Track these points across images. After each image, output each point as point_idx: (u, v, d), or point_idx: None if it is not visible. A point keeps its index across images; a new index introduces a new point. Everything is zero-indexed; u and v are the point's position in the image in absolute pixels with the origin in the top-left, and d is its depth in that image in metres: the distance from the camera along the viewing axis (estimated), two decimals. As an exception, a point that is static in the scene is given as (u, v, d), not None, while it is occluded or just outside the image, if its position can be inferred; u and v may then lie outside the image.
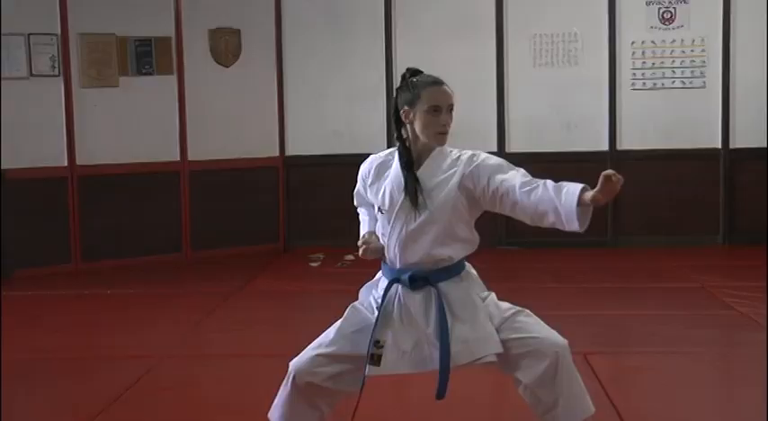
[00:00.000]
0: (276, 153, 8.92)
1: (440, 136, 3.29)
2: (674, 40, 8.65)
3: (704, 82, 8.62)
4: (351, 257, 8.25)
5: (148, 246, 8.29)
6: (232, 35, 8.64)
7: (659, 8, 8.66)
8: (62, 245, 7.99)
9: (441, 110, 3.29)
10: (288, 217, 8.99)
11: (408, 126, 3.29)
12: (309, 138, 8.93)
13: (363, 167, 3.42)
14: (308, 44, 8.87)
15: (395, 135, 3.37)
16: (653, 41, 8.67)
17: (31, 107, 7.78)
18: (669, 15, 8.66)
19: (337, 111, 8.90)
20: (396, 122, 3.33)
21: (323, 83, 8.89)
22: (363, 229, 3.51)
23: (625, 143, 8.62)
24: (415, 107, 3.26)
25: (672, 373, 4.75)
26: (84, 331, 6.05)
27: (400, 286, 3.31)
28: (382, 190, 3.30)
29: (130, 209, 8.25)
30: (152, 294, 7.09)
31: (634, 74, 8.71)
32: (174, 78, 8.40)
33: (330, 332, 3.41)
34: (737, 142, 8.61)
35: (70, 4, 7.93)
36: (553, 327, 3.28)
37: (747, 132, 8.59)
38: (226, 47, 8.64)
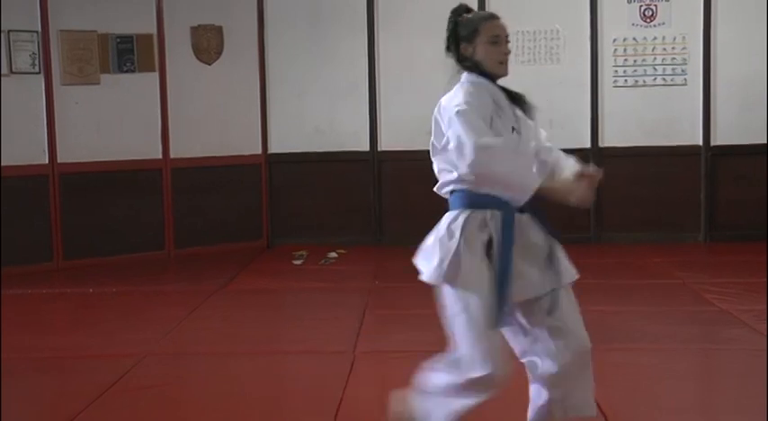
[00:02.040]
0: (259, 150, 8.90)
1: (501, 65, 3.34)
2: (655, 38, 8.68)
3: (685, 79, 8.65)
4: (334, 254, 8.26)
5: (131, 244, 8.26)
6: (214, 32, 8.62)
7: (641, 6, 8.69)
8: (44, 243, 7.95)
9: (501, 40, 3.36)
10: (271, 214, 8.98)
11: (469, 59, 3.38)
12: (292, 135, 8.91)
13: (481, 97, 3.28)
14: (290, 41, 8.85)
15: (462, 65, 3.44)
16: (635, 39, 8.70)
17: (11, 105, 7.73)
18: (651, 13, 8.68)
19: (320, 108, 8.89)
20: (457, 57, 3.44)
21: (306, 80, 8.87)
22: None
23: (607, 140, 8.65)
24: (475, 40, 3.36)
25: (654, 369, 4.77)
26: (65, 330, 6.03)
27: (517, 214, 3.19)
28: (507, 112, 3.31)
29: (112, 207, 8.22)
30: (134, 292, 7.06)
31: (616, 71, 8.73)
32: (155, 76, 8.36)
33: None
34: (719, 139, 8.65)
35: (51, 0, 7.88)
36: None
37: (728, 129, 8.63)
38: (208, 44, 8.61)
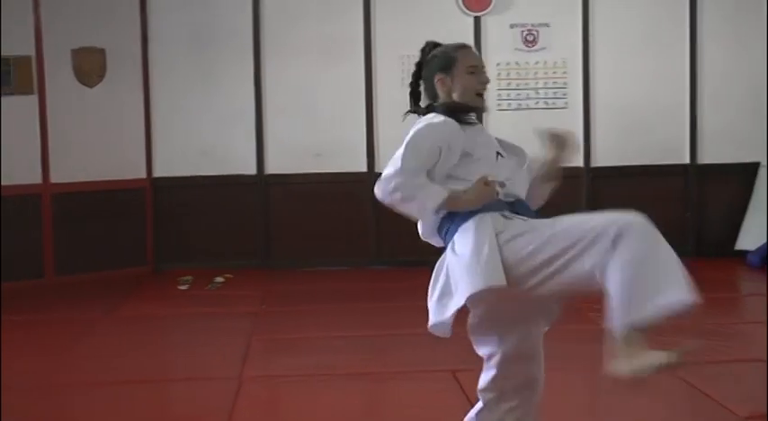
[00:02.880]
0: (143, 174, 8.74)
1: (478, 98, 3.25)
2: (537, 62, 8.88)
3: (566, 103, 8.86)
4: (221, 279, 8.15)
5: (8, 273, 7.96)
6: (96, 55, 8.44)
7: (522, 31, 8.88)
8: None
9: (478, 69, 3.28)
10: (156, 239, 8.81)
11: (443, 94, 3.26)
12: (178, 159, 8.77)
13: (446, 136, 3.14)
14: (175, 64, 8.73)
15: (421, 104, 3.37)
16: (517, 63, 8.88)
17: None
18: (532, 38, 8.88)
19: (206, 131, 8.77)
20: (424, 93, 3.35)
21: (191, 103, 8.76)
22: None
23: (492, 163, 8.77)
24: (452, 71, 3.26)
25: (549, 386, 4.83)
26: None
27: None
28: (485, 140, 3.23)
29: (-11, 233, 7.94)
30: (11, 322, 6.76)
31: (500, 95, 8.88)
32: (34, 99, 8.14)
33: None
34: (599, 161, 8.88)
35: None
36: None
37: (608, 151, 8.87)
38: (90, 67, 8.43)
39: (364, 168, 8.82)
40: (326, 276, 8.38)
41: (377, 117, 8.81)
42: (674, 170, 8.93)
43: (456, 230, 3.05)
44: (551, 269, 2.84)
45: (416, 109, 3.35)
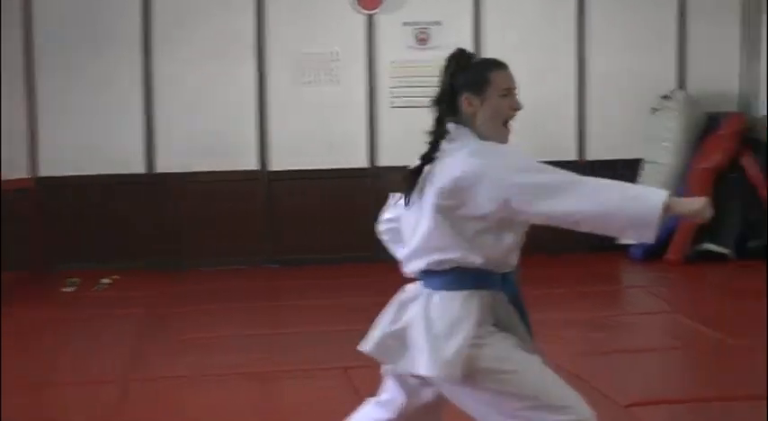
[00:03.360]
0: (28, 174, 8.49)
1: (504, 128, 2.96)
2: (429, 60, 8.95)
3: (458, 101, 8.95)
4: (108, 281, 7.98)
5: None
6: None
7: (415, 29, 8.94)
8: None
9: (511, 91, 2.98)
10: (41, 241, 8.56)
11: (466, 115, 2.89)
12: (65, 158, 8.55)
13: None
14: (62, 61, 8.49)
15: (439, 125, 2.90)
16: (410, 61, 8.93)
17: None
18: (424, 36, 8.95)
19: (94, 130, 8.57)
20: (448, 109, 2.91)
21: (79, 102, 8.53)
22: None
23: (384, 160, 8.83)
24: (484, 93, 2.90)
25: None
26: None
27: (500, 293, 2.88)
28: None
29: None
30: None
31: (393, 92, 8.93)
32: None
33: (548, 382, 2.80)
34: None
35: None
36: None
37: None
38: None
39: (257, 166, 8.76)
40: (218, 276, 8.29)
41: (270, 115, 8.75)
42: (562, 166, 9.07)
43: (442, 290, 2.83)
44: (497, 407, 2.77)
45: (440, 127, 2.90)
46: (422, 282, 2.89)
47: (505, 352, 2.78)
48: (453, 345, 2.73)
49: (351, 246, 8.68)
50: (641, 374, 5.06)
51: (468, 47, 8.73)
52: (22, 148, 8.46)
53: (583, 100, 9.11)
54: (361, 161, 8.86)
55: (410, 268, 2.92)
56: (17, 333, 6.34)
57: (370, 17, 8.85)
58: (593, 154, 9.14)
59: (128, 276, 8.12)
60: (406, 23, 8.92)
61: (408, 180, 2.88)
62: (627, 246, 8.54)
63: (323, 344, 5.72)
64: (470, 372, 2.73)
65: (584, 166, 9.07)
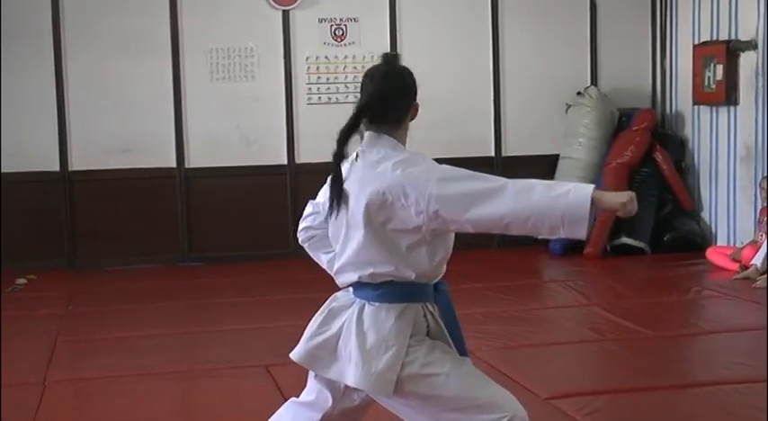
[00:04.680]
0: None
1: None
2: (346, 56, 8.95)
3: (376, 97, 8.96)
4: (23, 280, 7.81)
5: None
6: None
7: (331, 25, 8.93)
8: None
9: None
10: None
11: (404, 122, 2.96)
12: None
13: None
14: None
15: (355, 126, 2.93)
16: (326, 57, 8.92)
17: None
18: (341, 32, 8.94)
19: (7, 128, 8.36)
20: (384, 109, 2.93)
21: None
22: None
23: (303, 156, 8.80)
24: (415, 101, 2.97)
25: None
26: None
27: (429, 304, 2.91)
28: None
29: None
30: None
31: (310, 89, 8.91)
32: None
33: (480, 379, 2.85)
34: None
35: None
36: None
37: (417, 145, 8.93)
38: None
39: (174, 163, 8.66)
40: (137, 275, 8.17)
41: (186, 111, 8.65)
42: (481, 162, 9.18)
43: (375, 301, 2.83)
44: (428, 410, 2.80)
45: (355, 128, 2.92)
46: (353, 291, 2.89)
47: (433, 357, 2.80)
48: (386, 360, 2.75)
49: (269, 243, 8.65)
50: (560, 367, 5.14)
51: (386, 44, 8.85)
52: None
53: (499, 97, 9.19)
54: (279, 157, 8.81)
55: (341, 280, 2.91)
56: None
57: (286, 13, 8.80)
58: (510, 150, 9.24)
59: (45, 276, 7.96)
60: (321, 20, 8.89)
61: (334, 188, 2.87)
62: (546, 242, 8.67)
63: (244, 343, 5.69)
64: (400, 380, 2.76)
65: (502, 163, 9.20)
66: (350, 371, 2.79)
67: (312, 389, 2.98)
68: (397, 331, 2.79)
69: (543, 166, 9.12)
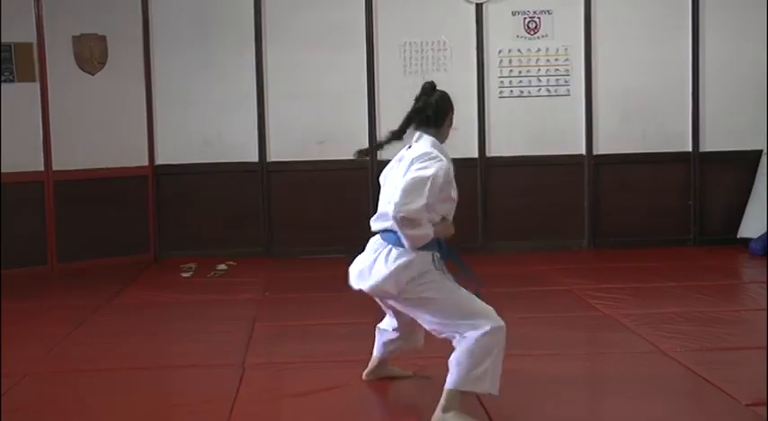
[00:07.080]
0: (146, 162, 8.74)
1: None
2: (539, 50, 8.87)
3: (568, 90, 8.85)
4: (224, 266, 8.17)
5: (11, 260, 7.97)
6: (98, 41, 8.43)
7: (525, 18, 8.86)
8: None
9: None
10: (158, 227, 8.82)
11: (442, 132, 4.31)
12: (180, 146, 8.78)
13: (447, 170, 4.07)
14: (177, 51, 8.72)
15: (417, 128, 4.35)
16: (519, 50, 8.86)
17: None
18: (534, 25, 8.86)
19: (208, 119, 8.77)
20: (429, 119, 4.32)
21: (193, 91, 8.76)
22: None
23: (494, 150, 8.78)
24: (450, 116, 4.39)
25: (544, 375, 4.85)
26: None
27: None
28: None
29: (-7, 221, 7.94)
30: (14, 309, 6.74)
31: (501, 82, 8.88)
32: (36, 86, 8.14)
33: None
34: (600, 149, 8.87)
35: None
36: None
37: (609, 139, 8.86)
38: (91, 53, 8.42)
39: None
40: (329, 263, 8.36)
41: (379, 104, 8.80)
42: (676, 157, 8.93)
43: (401, 246, 4.06)
44: (434, 317, 4.10)
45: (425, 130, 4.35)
46: (382, 236, 4.13)
47: (442, 280, 4.08)
48: (398, 270, 4.02)
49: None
50: (762, 372, 4.92)
51: (580, 36, 8.71)
52: (142, 136, 8.69)
53: (698, 89, 8.88)
54: (471, 151, 8.79)
55: (374, 227, 4.21)
56: (136, 317, 6.55)
57: (479, 6, 8.80)
58: (708, 145, 8.92)
59: (243, 263, 8.34)
60: (515, 12, 8.86)
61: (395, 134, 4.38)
62: (746, 241, 8.33)
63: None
64: (416, 293, 4.04)
65: (699, 158, 8.90)
66: (373, 278, 4.10)
67: (388, 315, 4.56)
68: (415, 260, 4.03)
69: (743, 163, 8.78)
